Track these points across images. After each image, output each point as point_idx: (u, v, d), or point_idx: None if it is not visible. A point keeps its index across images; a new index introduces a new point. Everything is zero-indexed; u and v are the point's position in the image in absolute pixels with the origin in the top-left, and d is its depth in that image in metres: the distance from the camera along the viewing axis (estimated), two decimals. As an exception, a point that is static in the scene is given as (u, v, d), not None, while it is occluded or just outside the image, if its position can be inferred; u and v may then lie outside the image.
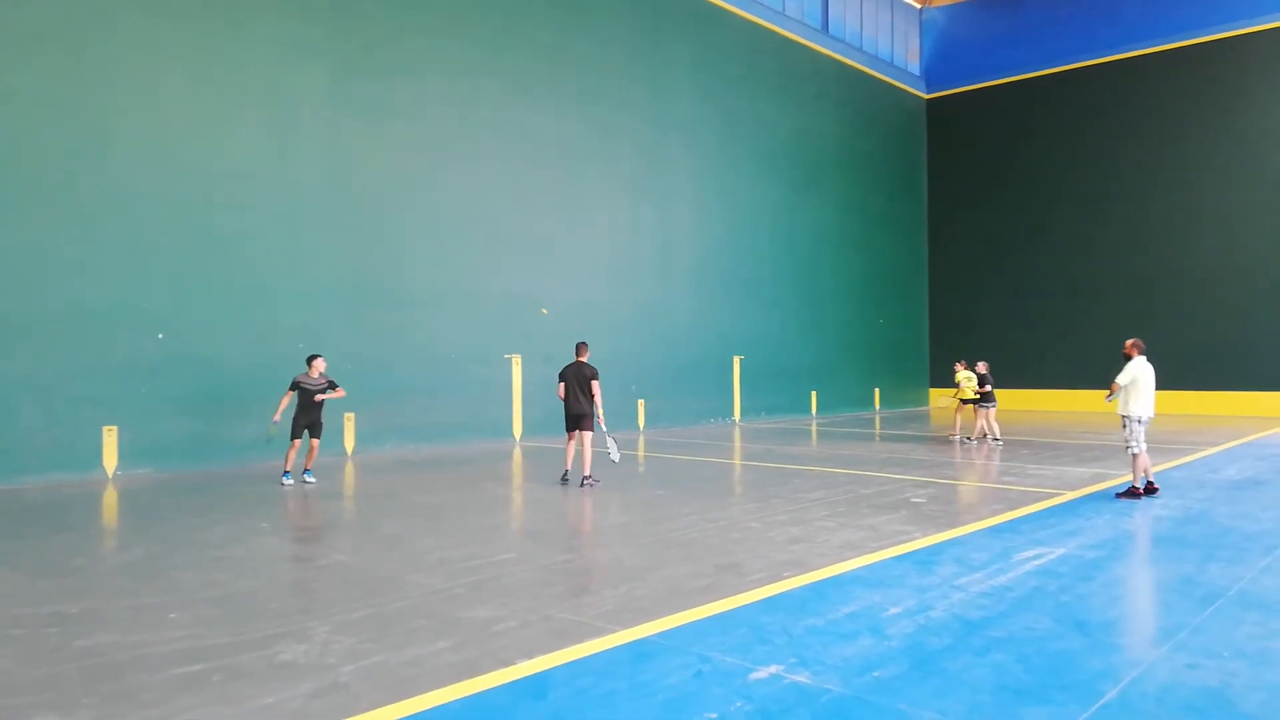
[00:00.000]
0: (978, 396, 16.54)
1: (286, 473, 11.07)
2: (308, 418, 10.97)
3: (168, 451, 12.44)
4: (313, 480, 11.26)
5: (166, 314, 12.53)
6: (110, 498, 10.47)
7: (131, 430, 12.10)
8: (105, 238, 12.04)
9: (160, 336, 12.45)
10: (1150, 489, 9.76)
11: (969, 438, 16.89)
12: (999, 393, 18.57)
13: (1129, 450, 9.65)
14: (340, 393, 11.29)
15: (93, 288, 11.89)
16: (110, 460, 11.94)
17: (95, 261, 11.94)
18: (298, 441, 11.05)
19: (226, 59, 13.30)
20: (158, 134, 12.57)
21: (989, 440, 16.30)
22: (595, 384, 10.67)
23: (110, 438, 11.92)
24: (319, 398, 10.97)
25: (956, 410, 17.40)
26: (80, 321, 11.76)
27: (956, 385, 17.27)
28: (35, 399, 11.37)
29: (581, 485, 10.69)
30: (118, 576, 6.49)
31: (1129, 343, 9.82)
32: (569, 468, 11.08)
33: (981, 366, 16.72)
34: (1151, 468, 9.95)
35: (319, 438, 11.14)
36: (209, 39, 13.12)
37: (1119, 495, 9.77)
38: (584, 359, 10.89)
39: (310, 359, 11.15)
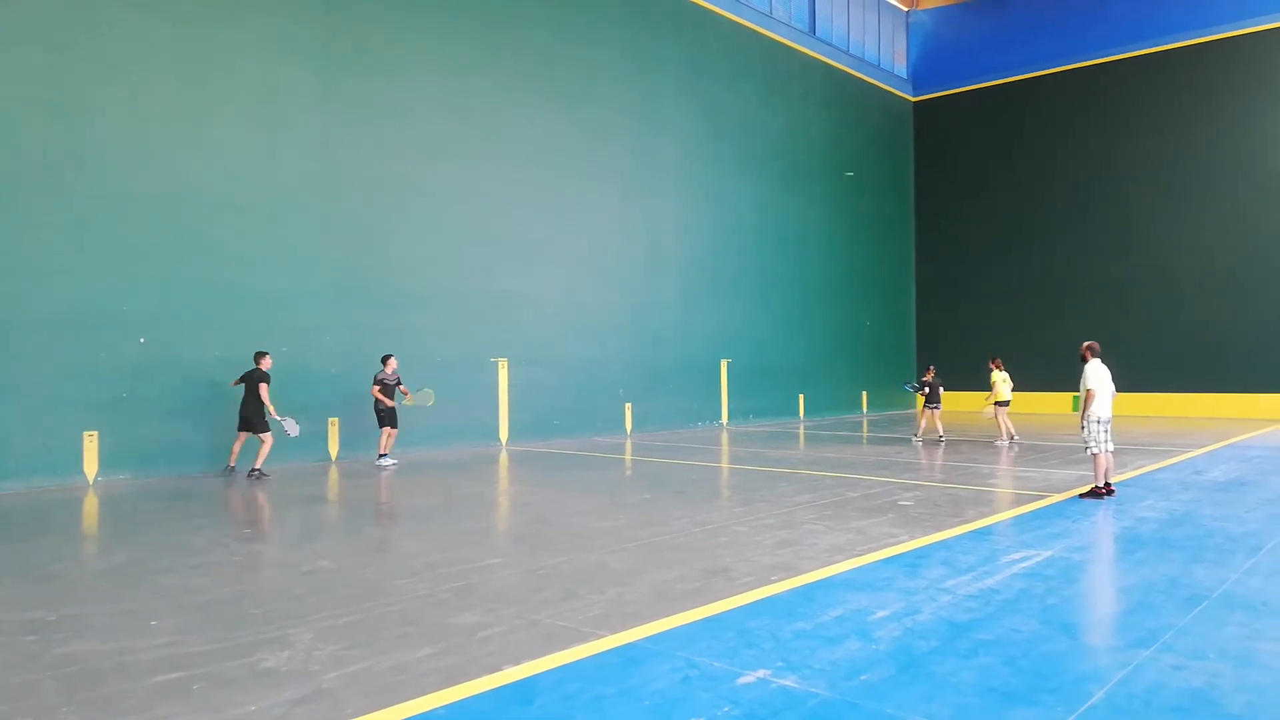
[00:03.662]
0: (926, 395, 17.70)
1: (383, 455, 13.62)
2: (387, 409, 13.57)
3: (149, 457, 12.32)
4: (392, 463, 13.62)
5: (150, 316, 12.41)
6: (91, 503, 10.35)
7: (113, 435, 11.97)
8: (88, 238, 11.91)
9: (142, 340, 12.33)
10: (1108, 490, 9.87)
11: (1002, 440, 16.78)
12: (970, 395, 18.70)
13: (1088, 451, 9.80)
14: (405, 392, 13.88)
15: (75, 290, 11.76)
16: (91, 466, 11.81)
17: (77, 263, 11.80)
18: (387, 429, 13.64)
19: (215, 58, 13.20)
20: (144, 133, 12.44)
21: (922, 439, 17.56)
22: (264, 387, 12.26)
23: (91, 443, 11.80)
24: (403, 390, 13.76)
25: (996, 415, 16.86)
26: (61, 324, 11.62)
27: (990, 388, 17.03)
28: (14, 403, 11.23)
29: (250, 476, 12.17)
30: (98, 582, 6.41)
31: (1085, 345, 9.97)
32: (233, 464, 12.54)
33: (929, 373, 18.11)
34: (1113, 468, 10.08)
35: (395, 427, 13.76)
36: (197, 37, 13.01)
37: (1082, 496, 9.90)
38: (262, 367, 12.42)
39: (384, 358, 13.65)
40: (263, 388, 12.15)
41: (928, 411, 17.76)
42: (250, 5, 13.60)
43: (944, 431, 17.19)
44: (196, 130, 12.96)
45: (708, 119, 22.21)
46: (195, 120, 12.96)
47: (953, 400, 18.32)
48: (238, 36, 13.45)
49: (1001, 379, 16.83)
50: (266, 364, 12.44)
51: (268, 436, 12.22)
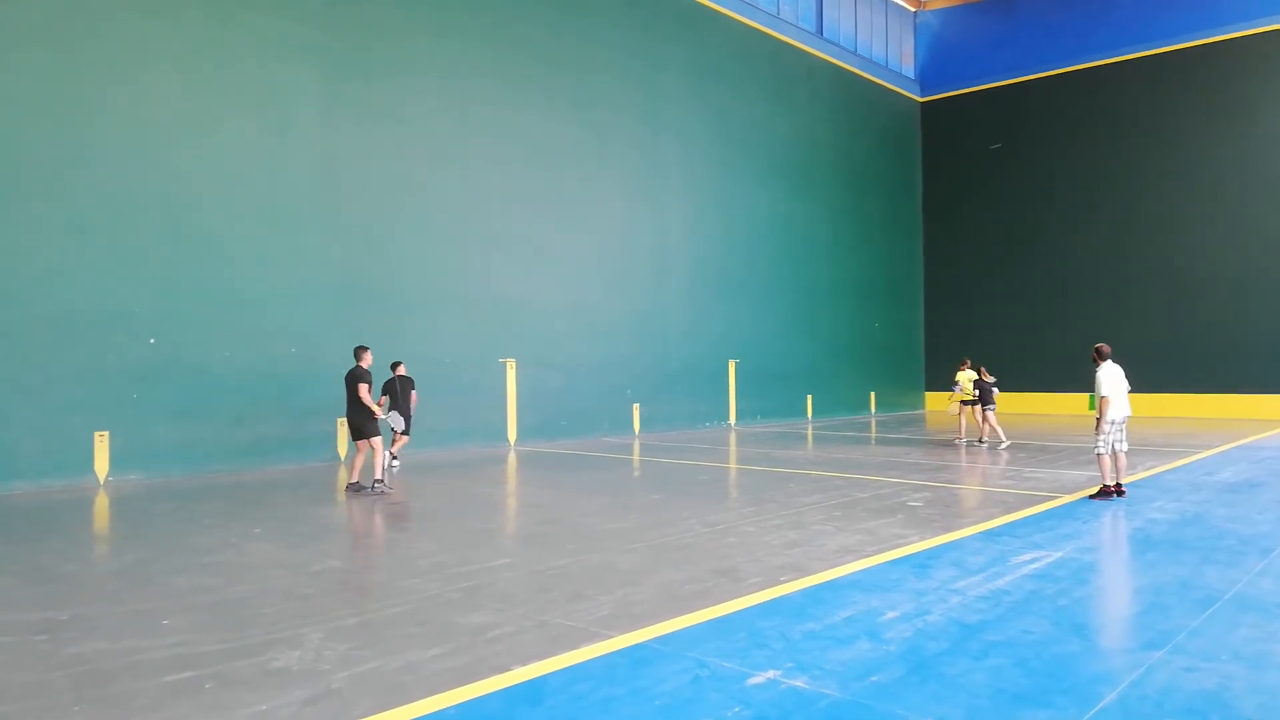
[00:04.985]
0: (975, 397, 16.58)
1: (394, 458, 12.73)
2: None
3: (159, 457, 12.36)
4: (396, 463, 12.87)
5: (157, 318, 12.45)
6: (102, 503, 10.40)
7: (123, 436, 12.02)
8: (94, 240, 11.96)
9: (152, 341, 12.38)
10: (1119, 490, 9.82)
11: (960, 439, 16.91)
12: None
13: (1095, 451, 9.76)
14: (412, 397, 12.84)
15: (82, 291, 11.81)
16: (102, 466, 11.86)
17: (85, 264, 11.86)
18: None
19: (217, 59, 13.24)
20: (147, 135, 12.49)
21: (989, 442, 16.48)
22: (363, 387, 10.64)
23: (102, 443, 11.85)
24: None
25: (959, 413, 17.21)
26: (70, 326, 11.68)
27: (955, 385, 17.19)
28: (26, 404, 11.29)
29: (373, 488, 10.75)
30: (108, 582, 6.43)
31: (1096, 348, 9.92)
32: (356, 479, 10.83)
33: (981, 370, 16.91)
34: (1125, 468, 10.03)
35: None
36: (200, 38, 13.05)
37: (1091, 497, 9.86)
38: (363, 364, 10.89)
39: (394, 365, 12.73)
40: (362, 388, 10.58)
41: (987, 413, 16.19)
42: (252, 6, 13.63)
43: (963, 436, 16.75)
44: (199, 132, 12.99)
45: (714, 120, 22.18)
46: (198, 121, 12.98)
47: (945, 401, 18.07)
48: (240, 38, 13.48)
49: (968, 378, 16.90)
50: (367, 360, 10.94)
51: (376, 442, 10.68)
